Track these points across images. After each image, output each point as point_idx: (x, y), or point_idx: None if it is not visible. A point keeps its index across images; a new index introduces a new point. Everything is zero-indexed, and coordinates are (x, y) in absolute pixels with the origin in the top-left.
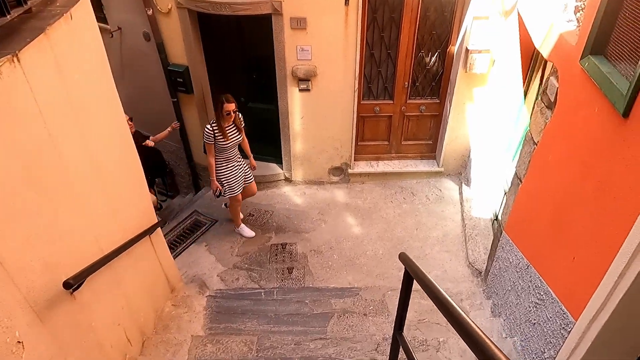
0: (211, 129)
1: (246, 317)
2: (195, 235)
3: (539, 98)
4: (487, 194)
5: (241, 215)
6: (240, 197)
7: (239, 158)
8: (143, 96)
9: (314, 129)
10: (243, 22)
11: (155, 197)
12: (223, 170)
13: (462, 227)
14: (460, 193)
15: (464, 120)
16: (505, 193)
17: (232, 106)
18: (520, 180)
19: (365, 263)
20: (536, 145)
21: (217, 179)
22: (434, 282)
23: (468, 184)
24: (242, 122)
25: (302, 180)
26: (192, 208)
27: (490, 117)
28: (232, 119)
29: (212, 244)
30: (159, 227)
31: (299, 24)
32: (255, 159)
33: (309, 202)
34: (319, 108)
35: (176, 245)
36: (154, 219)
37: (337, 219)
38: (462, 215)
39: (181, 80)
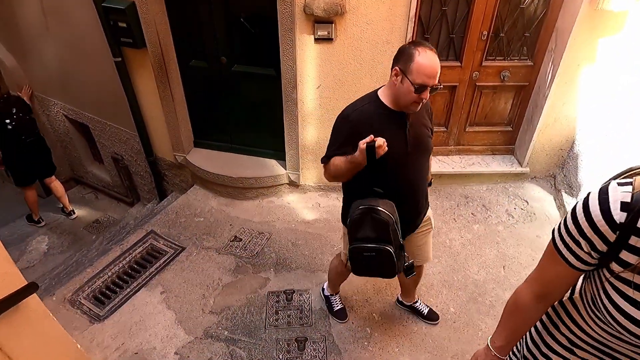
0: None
1: None
2: (148, 273)
3: None
4: None
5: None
6: None
7: None
8: (74, 57)
9: (338, 105)
10: None
11: (60, 188)
12: None
13: None
14: (560, 207)
15: (574, 93)
16: None
17: None
18: None
19: (428, 332)
20: None
21: None
22: None
23: (572, 192)
24: None
25: (315, 185)
26: (149, 226)
27: (628, 87)
28: None
29: (173, 289)
30: (30, 296)
31: None
32: (245, 152)
33: (325, 219)
34: (346, 70)
35: (114, 292)
36: None
37: None
38: None
39: (125, 25)
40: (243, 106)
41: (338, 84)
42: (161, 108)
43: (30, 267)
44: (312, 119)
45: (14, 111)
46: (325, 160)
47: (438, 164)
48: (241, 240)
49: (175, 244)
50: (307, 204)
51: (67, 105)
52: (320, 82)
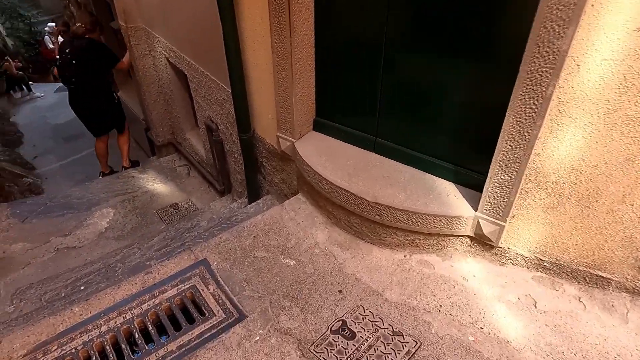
0: None
1: None
2: (162, 353)
3: None
4: None
5: None
6: None
7: None
8: None
9: None
10: None
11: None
12: None
13: None
14: None
15: None
16: None
17: None
18: None
19: None
20: None
21: None
22: None
23: None
24: None
25: (533, 257)
26: (203, 250)
27: None
28: None
29: None
30: None
31: None
32: (400, 156)
33: (550, 344)
34: None
35: None
36: None
37: None
38: None
39: None
40: (416, 68)
41: None
42: (270, 50)
43: (75, 249)
44: (589, 110)
45: (67, 50)
46: None
47: None
48: (354, 335)
49: (231, 303)
50: (506, 291)
51: (168, 44)
52: None
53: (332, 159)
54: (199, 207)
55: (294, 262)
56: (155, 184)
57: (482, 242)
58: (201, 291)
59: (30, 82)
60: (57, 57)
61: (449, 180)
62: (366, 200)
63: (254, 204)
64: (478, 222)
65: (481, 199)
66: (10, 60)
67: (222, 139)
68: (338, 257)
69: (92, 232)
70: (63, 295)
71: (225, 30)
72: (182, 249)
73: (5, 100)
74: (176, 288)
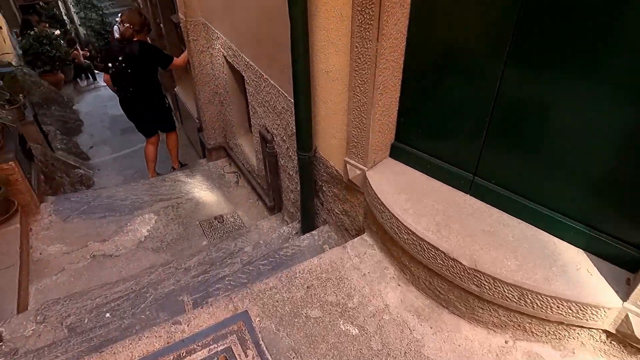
0: None
1: None
2: None
3: None
4: None
5: None
6: None
7: None
8: None
9: None
10: None
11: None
12: None
13: None
14: None
15: None
16: None
17: None
18: None
19: None
20: None
21: None
22: None
23: None
24: None
25: None
26: (246, 297)
27: None
28: None
29: None
30: None
31: None
32: (507, 205)
33: None
34: None
35: None
36: None
37: None
38: None
39: None
40: (550, 88)
41: None
42: (348, 56)
43: (111, 257)
44: None
45: (120, 58)
46: None
47: None
48: None
49: None
50: None
51: (227, 41)
52: None
53: (414, 198)
54: (245, 223)
55: (357, 331)
56: (202, 191)
57: (625, 340)
58: (237, 357)
59: (95, 72)
60: (110, 64)
61: (577, 247)
62: (462, 264)
63: (308, 235)
64: (627, 316)
65: (637, 286)
66: (79, 49)
67: (277, 152)
68: (414, 330)
69: (131, 239)
70: (86, 321)
71: (293, 28)
72: (219, 288)
73: (71, 88)
74: (207, 349)
